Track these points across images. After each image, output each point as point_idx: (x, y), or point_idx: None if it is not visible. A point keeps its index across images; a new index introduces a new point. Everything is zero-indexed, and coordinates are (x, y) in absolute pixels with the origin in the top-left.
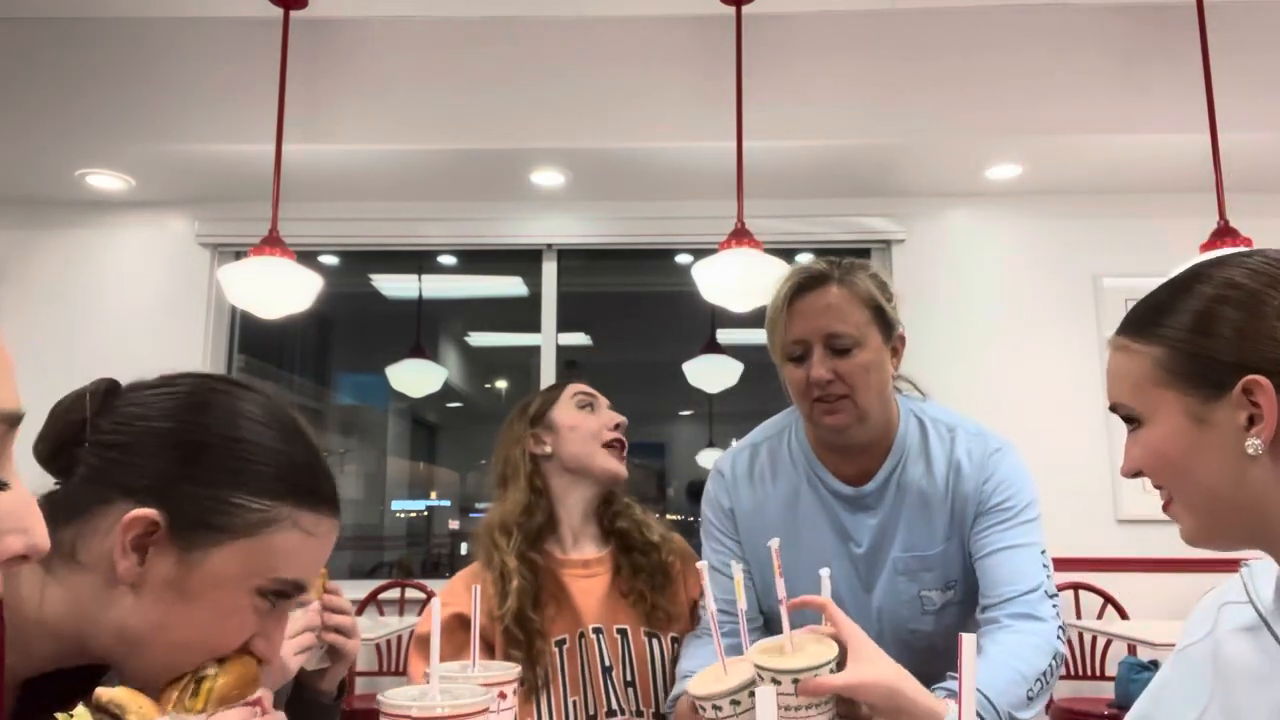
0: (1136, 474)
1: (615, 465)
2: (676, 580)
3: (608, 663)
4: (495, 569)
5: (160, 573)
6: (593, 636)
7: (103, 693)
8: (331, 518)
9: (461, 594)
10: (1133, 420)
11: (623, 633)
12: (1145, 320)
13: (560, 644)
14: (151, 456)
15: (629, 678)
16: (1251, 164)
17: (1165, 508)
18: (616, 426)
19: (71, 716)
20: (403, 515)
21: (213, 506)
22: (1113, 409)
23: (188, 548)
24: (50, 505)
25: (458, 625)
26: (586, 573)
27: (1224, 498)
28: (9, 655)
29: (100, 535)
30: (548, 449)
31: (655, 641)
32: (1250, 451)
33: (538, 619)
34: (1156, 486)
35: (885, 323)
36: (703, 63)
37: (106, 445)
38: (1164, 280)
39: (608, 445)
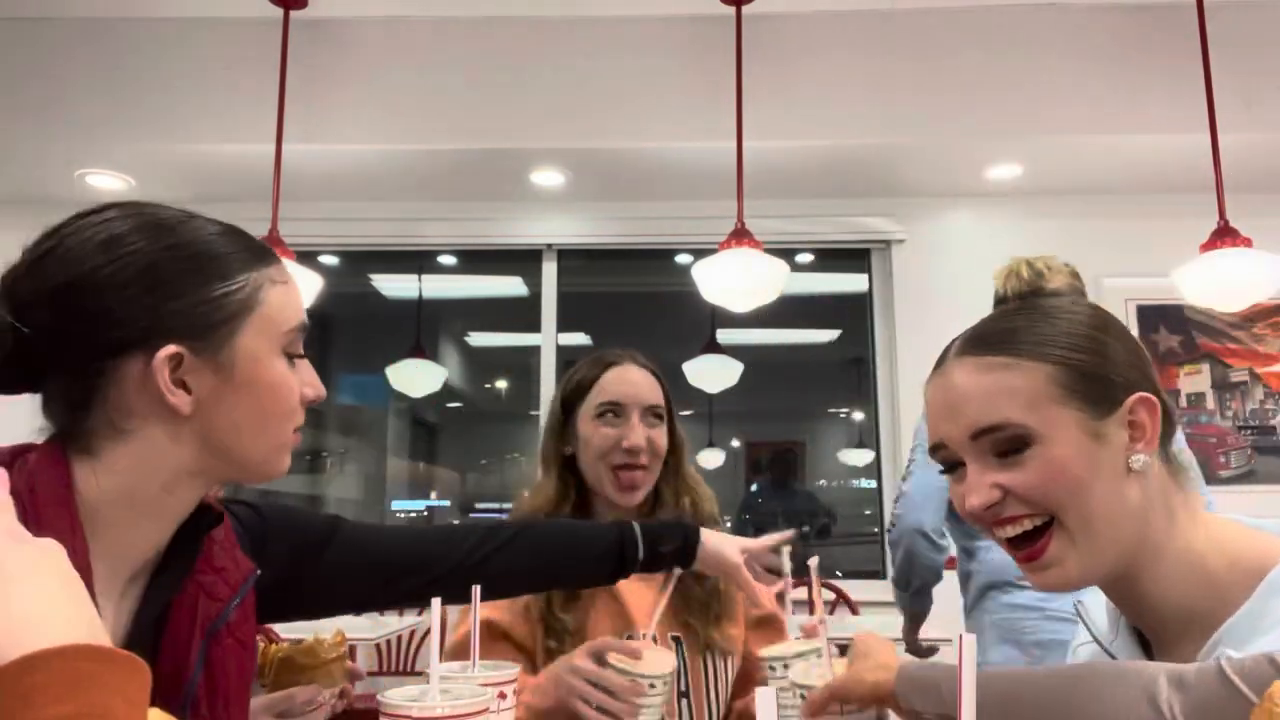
0: (990, 506)
1: (616, 495)
2: (735, 607)
3: None
4: None
5: (209, 386)
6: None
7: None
8: (280, 261)
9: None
10: (1020, 442)
11: (677, 640)
12: (1019, 340)
13: None
14: (124, 306)
15: (683, 688)
16: (1251, 164)
17: (1040, 553)
18: (631, 450)
19: None
20: (403, 515)
21: (208, 310)
22: (987, 431)
23: (215, 353)
24: (52, 414)
25: (484, 635)
26: (636, 575)
27: (1112, 516)
28: (106, 568)
29: (131, 397)
30: (569, 450)
31: (711, 657)
32: (1135, 466)
33: (569, 619)
34: (1007, 520)
35: None
36: (703, 63)
37: (62, 329)
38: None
39: (618, 468)
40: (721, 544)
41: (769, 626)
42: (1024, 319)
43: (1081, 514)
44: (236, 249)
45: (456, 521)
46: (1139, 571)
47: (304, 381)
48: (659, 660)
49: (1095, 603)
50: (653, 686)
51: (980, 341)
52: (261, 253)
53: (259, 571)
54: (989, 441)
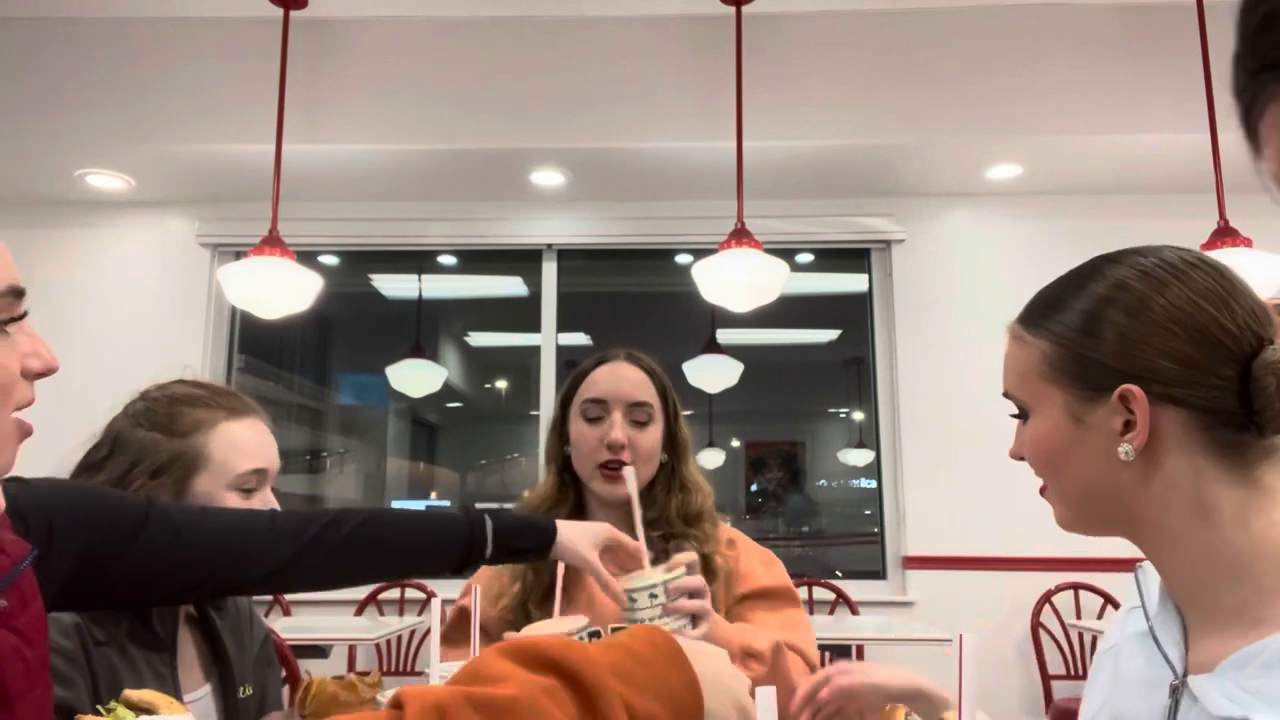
0: (1021, 458)
1: (605, 490)
2: (715, 602)
3: None
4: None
5: None
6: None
7: (131, 693)
8: None
9: (480, 578)
10: (1022, 412)
11: None
12: (1039, 312)
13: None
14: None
15: None
16: (1251, 164)
17: (1041, 492)
18: (611, 447)
19: (111, 711)
20: None
21: None
22: (1005, 396)
23: None
24: None
25: (461, 620)
26: (617, 571)
27: (1095, 494)
28: None
29: None
30: (568, 449)
31: None
32: (1122, 457)
33: (540, 616)
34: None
35: None
36: (703, 63)
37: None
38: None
39: (602, 465)
40: (576, 539)
41: (770, 598)
42: (1060, 287)
43: (1057, 486)
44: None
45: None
46: (1149, 551)
47: (26, 352)
48: (564, 625)
49: (1155, 572)
50: (654, 596)
51: (1025, 307)
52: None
53: (35, 552)
54: (1013, 404)
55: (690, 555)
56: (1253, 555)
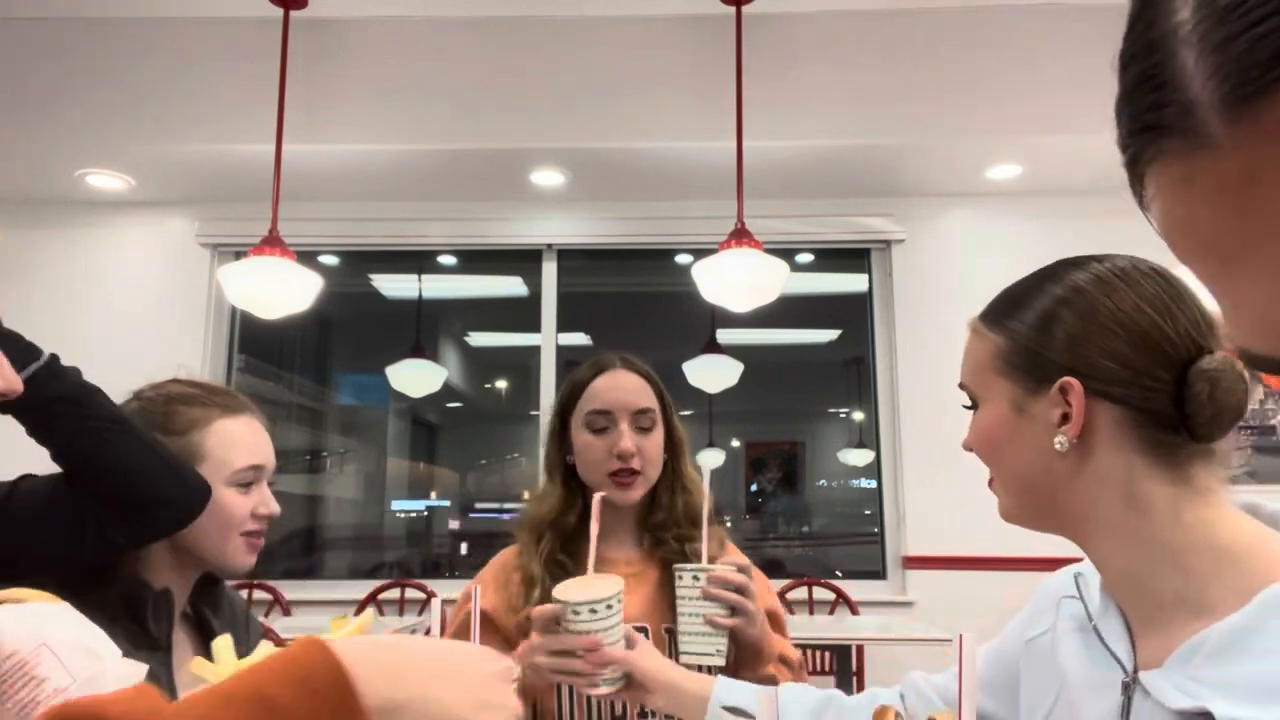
0: (970, 449)
1: (618, 497)
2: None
3: None
4: (524, 569)
5: None
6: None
7: (2, 593)
8: None
9: (489, 585)
10: (973, 402)
11: (671, 633)
12: (1001, 310)
13: None
14: None
15: None
16: None
17: (989, 484)
18: (621, 456)
19: None
20: (402, 515)
21: None
22: (960, 387)
23: None
24: None
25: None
26: (628, 570)
27: (1032, 484)
28: None
29: None
30: (570, 459)
31: None
32: (1056, 447)
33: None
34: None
35: None
36: (703, 63)
37: None
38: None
39: (613, 474)
40: None
41: (772, 621)
42: (1022, 287)
43: (1000, 474)
44: None
45: (455, 523)
46: (1085, 545)
47: None
48: (601, 586)
49: (1095, 572)
50: (594, 611)
51: (988, 304)
52: None
53: None
54: (966, 397)
55: (745, 559)
56: (1185, 546)
